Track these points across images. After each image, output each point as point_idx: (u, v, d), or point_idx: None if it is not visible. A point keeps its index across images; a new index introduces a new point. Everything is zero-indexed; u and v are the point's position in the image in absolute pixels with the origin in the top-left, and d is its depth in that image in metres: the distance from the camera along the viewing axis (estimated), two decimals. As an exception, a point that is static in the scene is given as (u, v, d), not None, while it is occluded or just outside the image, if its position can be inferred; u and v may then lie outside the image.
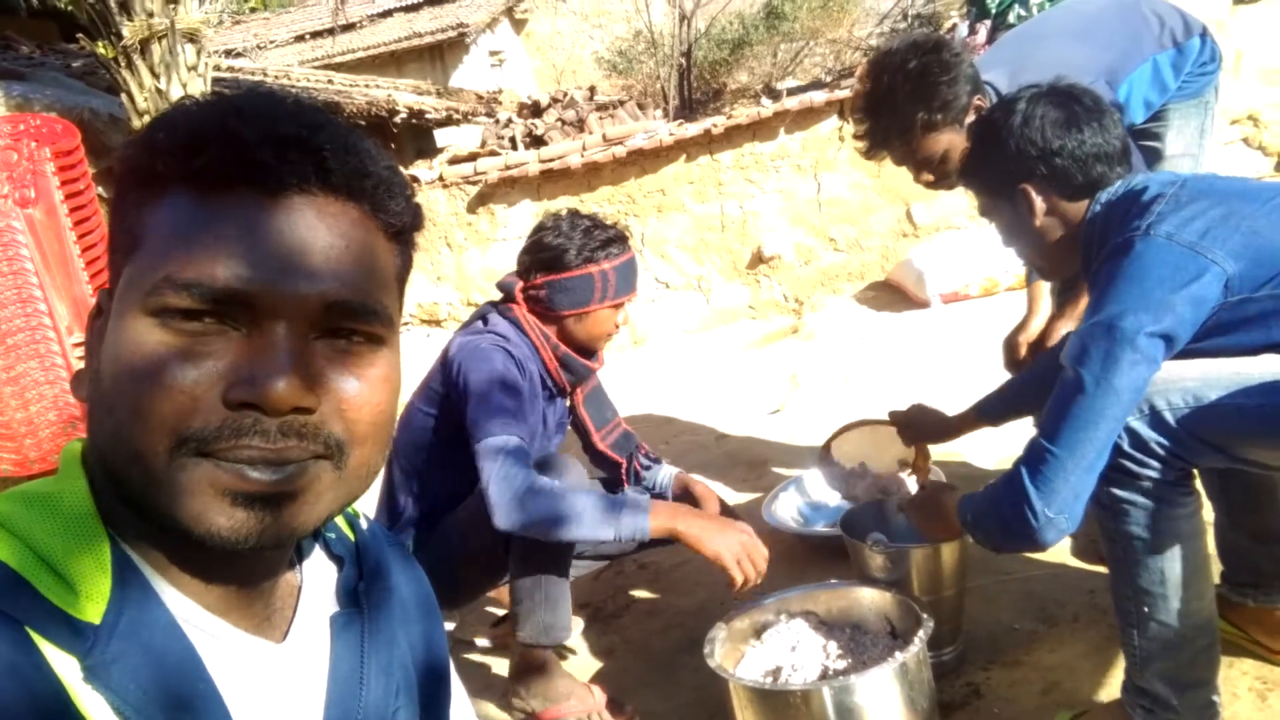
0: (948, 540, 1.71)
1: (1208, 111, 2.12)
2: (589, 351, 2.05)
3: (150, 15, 4.03)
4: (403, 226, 0.65)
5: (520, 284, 1.99)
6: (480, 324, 2.00)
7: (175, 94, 4.10)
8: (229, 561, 0.60)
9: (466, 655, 2.24)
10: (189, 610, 0.60)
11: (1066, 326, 1.99)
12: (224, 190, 0.57)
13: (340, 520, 0.75)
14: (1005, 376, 2.16)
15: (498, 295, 2.07)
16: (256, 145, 0.56)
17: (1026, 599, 2.02)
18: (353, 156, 0.60)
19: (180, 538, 0.57)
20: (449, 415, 1.92)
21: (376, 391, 0.61)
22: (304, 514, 0.59)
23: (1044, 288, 2.15)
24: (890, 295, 5.18)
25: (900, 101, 1.86)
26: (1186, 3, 2.15)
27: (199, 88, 4.18)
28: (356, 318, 0.59)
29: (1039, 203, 1.50)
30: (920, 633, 1.52)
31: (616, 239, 1.98)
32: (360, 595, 0.72)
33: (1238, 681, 1.63)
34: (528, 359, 1.95)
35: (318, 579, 0.71)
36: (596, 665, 2.12)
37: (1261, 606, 1.66)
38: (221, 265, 0.55)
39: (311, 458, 0.58)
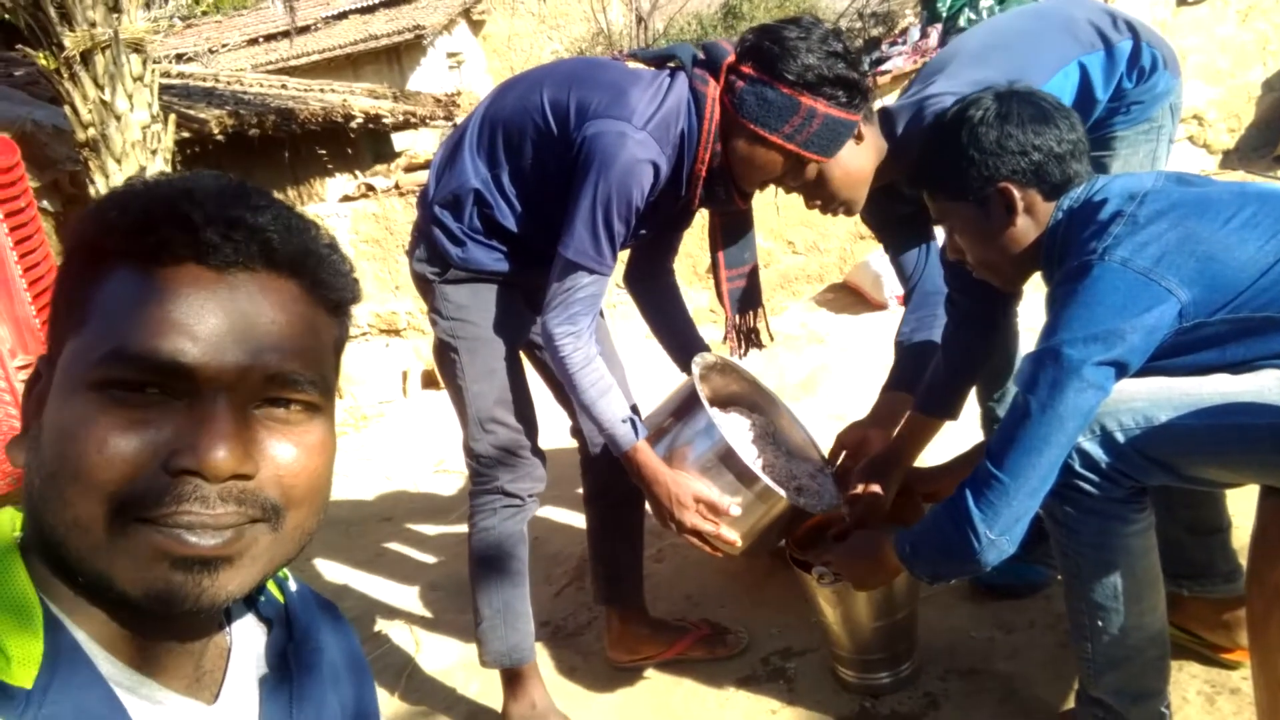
0: (882, 584, 1.67)
1: (1160, 136, 1.83)
2: (732, 183, 1.69)
3: (93, 25, 3.92)
4: (341, 301, 0.68)
5: (731, 58, 1.60)
6: (666, 75, 1.62)
7: (120, 106, 4.00)
8: (162, 624, 0.62)
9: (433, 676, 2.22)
10: (121, 673, 0.61)
11: None
12: (171, 266, 0.59)
13: (270, 583, 0.77)
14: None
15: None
16: (205, 226, 0.59)
17: (982, 607, 2.04)
18: (296, 236, 0.64)
19: (115, 601, 0.58)
20: (549, 145, 1.63)
21: (313, 457, 0.63)
22: (240, 576, 0.60)
23: None
24: (848, 297, 5.22)
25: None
26: (1132, 3, 2.08)
27: (145, 98, 4.09)
28: (295, 388, 0.62)
29: (1020, 202, 1.44)
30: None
31: (856, 87, 1.56)
32: (289, 657, 0.73)
33: (1187, 685, 1.66)
34: (671, 147, 1.61)
35: (247, 641, 0.72)
36: (558, 683, 2.10)
37: (1197, 596, 1.68)
38: (167, 340, 0.57)
39: (249, 521, 0.60)
